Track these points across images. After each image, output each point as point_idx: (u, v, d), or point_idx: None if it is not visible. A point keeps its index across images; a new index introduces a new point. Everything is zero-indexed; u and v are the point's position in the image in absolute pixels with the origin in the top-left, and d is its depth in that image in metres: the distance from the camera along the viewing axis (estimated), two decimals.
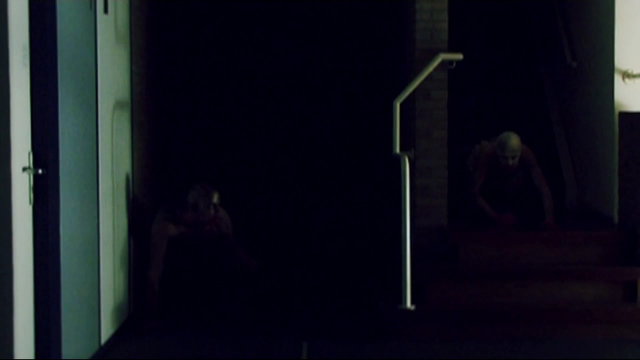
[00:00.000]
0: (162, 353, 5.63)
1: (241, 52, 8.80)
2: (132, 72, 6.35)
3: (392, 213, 6.55)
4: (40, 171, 4.40)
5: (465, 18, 8.20)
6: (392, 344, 5.89)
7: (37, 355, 4.45)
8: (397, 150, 6.32)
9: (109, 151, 5.72)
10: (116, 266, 5.89)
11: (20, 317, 4.21)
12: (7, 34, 4.03)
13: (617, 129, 6.68)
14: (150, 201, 6.90)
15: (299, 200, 7.14)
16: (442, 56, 6.35)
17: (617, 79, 6.72)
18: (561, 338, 5.91)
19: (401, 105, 6.31)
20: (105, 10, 5.61)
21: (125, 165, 6.16)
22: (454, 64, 6.45)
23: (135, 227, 6.34)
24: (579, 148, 7.66)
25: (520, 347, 5.71)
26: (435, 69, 6.37)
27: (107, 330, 5.67)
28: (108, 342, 5.66)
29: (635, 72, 6.67)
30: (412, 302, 6.06)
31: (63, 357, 4.68)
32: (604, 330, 6.00)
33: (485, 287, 6.13)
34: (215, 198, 6.29)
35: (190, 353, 5.63)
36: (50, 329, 4.54)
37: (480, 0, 8.87)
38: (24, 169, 4.27)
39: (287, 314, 6.57)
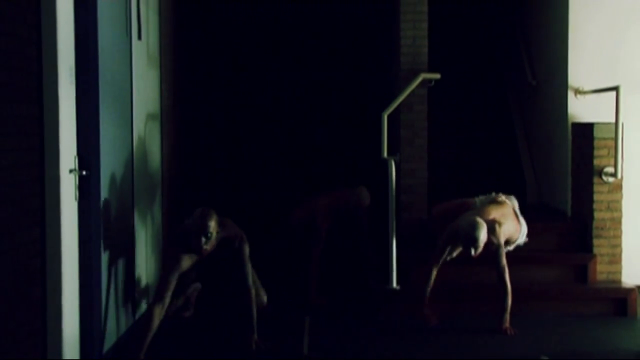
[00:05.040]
0: (183, 326, 5.63)
1: (254, 71, 8.81)
2: (161, 90, 6.34)
3: (380, 208, 6.53)
4: (84, 172, 4.41)
5: (442, 44, 8.19)
6: (381, 317, 5.89)
7: (81, 326, 4.46)
8: (385, 154, 6.32)
9: (143, 155, 5.72)
10: (148, 253, 5.89)
11: (67, 295, 4.20)
12: (57, 56, 4.03)
13: (570, 137, 6.67)
14: (176, 198, 6.90)
15: (301, 196, 7.13)
16: (423, 76, 6.34)
17: (570, 95, 6.72)
18: (523, 313, 5.90)
19: (388, 116, 6.30)
20: (139, 37, 5.61)
21: (156, 167, 6.16)
22: (433, 82, 6.45)
23: (165, 220, 6.33)
24: (538, 153, 7.65)
25: (489, 321, 5.70)
26: (417, 87, 6.36)
27: (141, 307, 5.67)
28: (141, 317, 5.66)
29: (585, 89, 6.67)
30: (398, 283, 6.07)
31: (103, 330, 4.68)
32: (559, 307, 6.00)
33: (459, 270, 6.12)
34: (212, 226, 4.91)
35: (203, 326, 5.61)
36: (92, 305, 4.55)
37: (456, 29, 8.88)
38: (71, 171, 4.27)
39: (292, 293, 6.55)
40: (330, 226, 6.36)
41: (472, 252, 5.40)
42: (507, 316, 5.54)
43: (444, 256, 5.68)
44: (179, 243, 5.02)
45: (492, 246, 5.53)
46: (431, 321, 5.64)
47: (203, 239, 4.89)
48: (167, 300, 4.88)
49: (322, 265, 6.38)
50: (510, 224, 5.71)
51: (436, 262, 5.66)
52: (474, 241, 5.37)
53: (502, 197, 5.92)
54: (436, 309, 5.74)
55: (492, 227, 5.54)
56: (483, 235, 5.38)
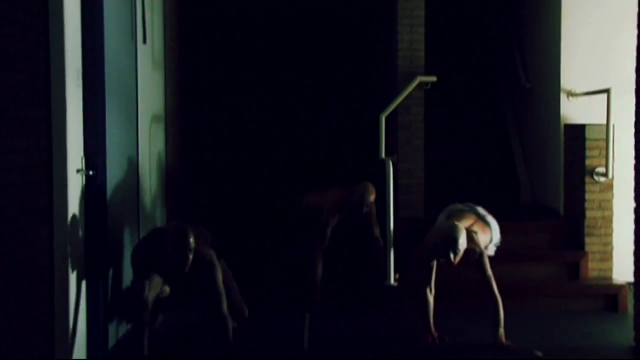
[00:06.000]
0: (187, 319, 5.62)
1: (256, 73, 8.82)
2: (166, 92, 6.35)
3: (379, 208, 6.52)
4: (91, 173, 4.42)
5: (439, 47, 8.19)
6: (379, 313, 5.89)
7: (88, 324, 4.47)
8: (383, 155, 6.32)
9: (148, 156, 5.72)
10: None
11: (74, 293, 4.21)
12: (64, 60, 4.04)
13: (562, 138, 6.68)
14: (181, 198, 6.91)
15: (301, 195, 7.12)
16: (420, 79, 6.35)
17: (563, 97, 6.73)
18: (517, 309, 5.90)
19: (386, 118, 6.31)
20: (144, 41, 5.61)
21: (160, 167, 6.17)
22: (430, 85, 6.45)
23: (169, 220, 6.34)
24: (532, 154, 7.66)
25: (484, 317, 5.70)
26: (414, 89, 6.37)
27: None
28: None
29: (577, 91, 6.68)
30: (395, 280, 6.07)
31: (109, 323, 4.69)
32: (552, 303, 6.00)
33: (455, 267, 6.09)
34: (193, 241, 4.49)
35: (206, 321, 5.60)
36: (98, 304, 4.55)
37: (452, 34, 8.88)
38: (78, 171, 4.28)
39: (293, 291, 6.54)
40: (336, 226, 6.26)
41: (452, 256, 4.89)
42: (503, 330, 5.08)
43: (433, 273, 5.17)
44: (145, 261, 4.64)
45: (474, 255, 5.12)
46: (437, 341, 5.14)
47: (190, 256, 4.49)
48: (147, 327, 4.57)
49: (323, 263, 6.35)
50: (479, 233, 5.26)
51: (428, 283, 5.17)
52: (454, 243, 4.87)
53: (459, 206, 5.52)
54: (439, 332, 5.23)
55: (469, 235, 5.09)
56: (463, 238, 4.91)
